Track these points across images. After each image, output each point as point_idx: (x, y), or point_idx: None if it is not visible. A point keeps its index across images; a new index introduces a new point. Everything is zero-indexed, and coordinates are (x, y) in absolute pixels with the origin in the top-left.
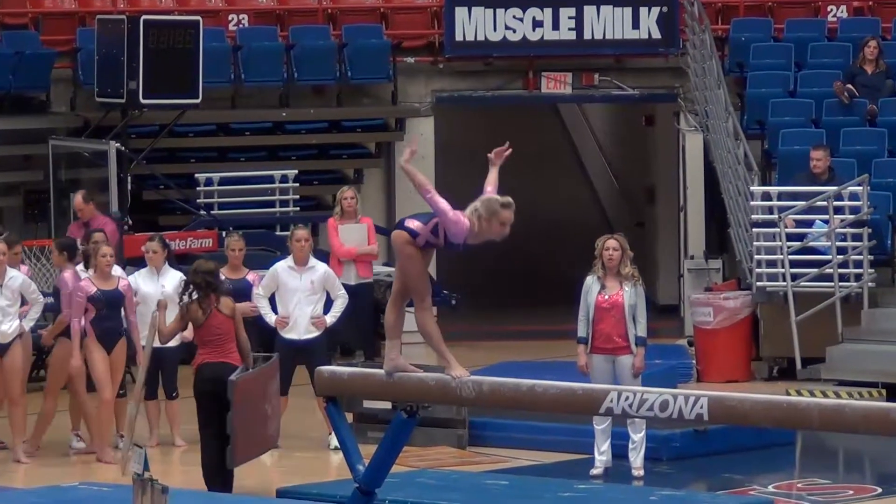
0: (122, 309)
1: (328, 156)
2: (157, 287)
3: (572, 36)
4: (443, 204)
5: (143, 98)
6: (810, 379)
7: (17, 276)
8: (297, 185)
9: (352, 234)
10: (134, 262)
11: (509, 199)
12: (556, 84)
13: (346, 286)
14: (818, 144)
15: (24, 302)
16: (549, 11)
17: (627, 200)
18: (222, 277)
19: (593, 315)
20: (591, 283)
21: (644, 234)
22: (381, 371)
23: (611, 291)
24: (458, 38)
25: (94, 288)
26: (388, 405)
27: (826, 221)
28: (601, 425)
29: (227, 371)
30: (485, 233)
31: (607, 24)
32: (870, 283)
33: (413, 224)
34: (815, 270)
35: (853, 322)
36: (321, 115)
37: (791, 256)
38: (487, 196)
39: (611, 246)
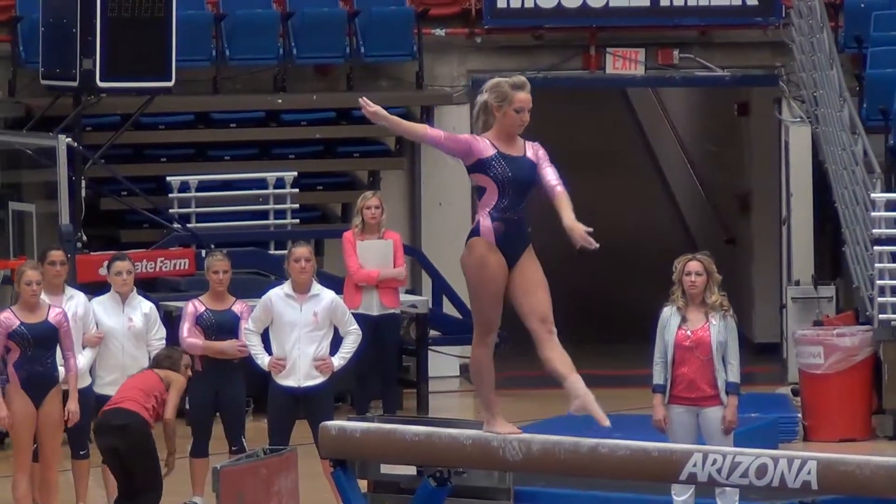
0: (58, 346)
1: (335, 154)
2: (122, 320)
3: (645, 2)
4: (435, 132)
5: (102, 80)
6: None
7: None
8: (297, 190)
9: (373, 253)
10: (87, 289)
11: (521, 77)
12: (624, 63)
13: (367, 318)
14: None
15: None
16: None
17: (715, 211)
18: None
19: (672, 356)
20: (668, 315)
21: (736, 253)
22: (402, 428)
23: (694, 326)
24: (501, 4)
25: (17, 321)
26: (412, 471)
27: None
28: (682, 496)
29: (120, 417)
30: (504, 128)
31: None
32: None
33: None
34: None
35: None
36: (327, 103)
37: None
38: (493, 80)
39: (693, 269)
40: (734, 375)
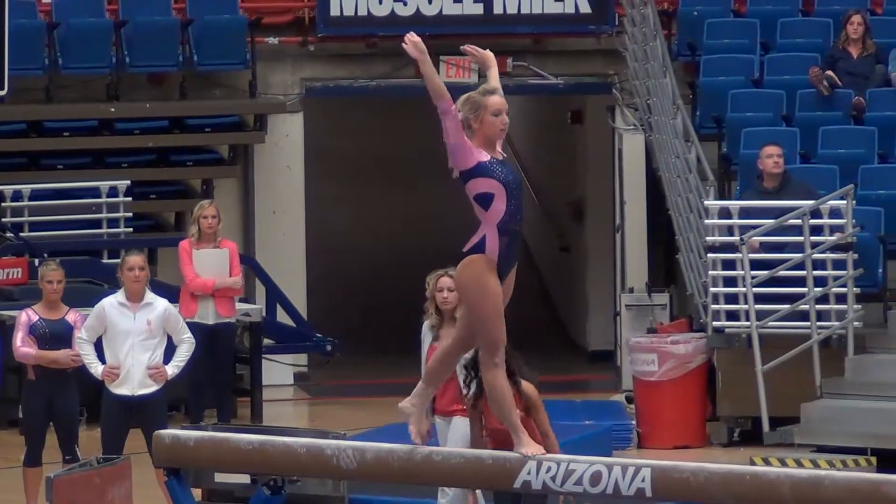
0: None
1: (169, 162)
2: None
3: (479, 10)
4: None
5: None
6: (781, 444)
7: None
8: (130, 199)
9: (210, 262)
10: None
11: (491, 84)
12: (458, 71)
13: (202, 326)
14: (771, 141)
15: None
16: None
17: (549, 219)
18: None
19: None
20: (425, 330)
21: (570, 261)
22: (236, 436)
23: (444, 341)
24: (334, 12)
25: None
26: (246, 479)
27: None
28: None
29: None
30: (485, 135)
31: None
32: (855, 323)
33: (471, 242)
34: (787, 307)
35: (835, 372)
36: (160, 111)
37: (756, 289)
38: (462, 97)
39: (445, 285)
40: None
